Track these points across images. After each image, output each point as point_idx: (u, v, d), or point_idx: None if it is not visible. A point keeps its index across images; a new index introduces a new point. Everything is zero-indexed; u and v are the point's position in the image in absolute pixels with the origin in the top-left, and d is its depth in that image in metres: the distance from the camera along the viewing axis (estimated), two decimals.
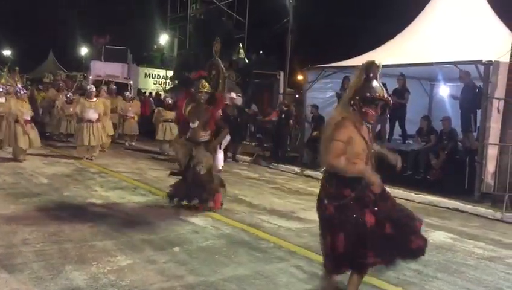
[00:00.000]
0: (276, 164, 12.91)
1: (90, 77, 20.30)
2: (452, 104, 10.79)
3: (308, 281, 4.47)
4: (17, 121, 10.27)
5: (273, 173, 11.97)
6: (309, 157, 13.03)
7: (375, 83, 3.67)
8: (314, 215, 7.09)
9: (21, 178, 8.71)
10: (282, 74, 22.19)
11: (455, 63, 9.70)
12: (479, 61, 9.25)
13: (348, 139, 3.56)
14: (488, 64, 9.09)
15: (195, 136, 6.64)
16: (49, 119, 15.53)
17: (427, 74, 12.78)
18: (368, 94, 3.62)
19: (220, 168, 10.95)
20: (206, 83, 6.70)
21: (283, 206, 7.78)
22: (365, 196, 3.60)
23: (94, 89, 11.73)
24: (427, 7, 12.51)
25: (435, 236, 6.51)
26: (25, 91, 10.60)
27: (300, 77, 36.08)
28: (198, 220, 6.39)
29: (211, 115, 6.62)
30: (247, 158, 13.84)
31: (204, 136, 6.65)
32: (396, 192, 9.53)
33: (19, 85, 11.31)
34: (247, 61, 23.50)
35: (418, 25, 12.31)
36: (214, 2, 22.23)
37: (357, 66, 13.20)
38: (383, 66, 11.89)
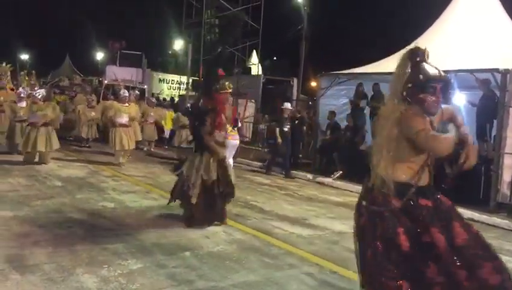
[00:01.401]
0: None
1: (105, 81, 20.41)
2: (467, 113, 10.64)
3: (318, 288, 4.42)
4: (30, 124, 10.25)
5: (285, 179, 11.91)
6: (320, 162, 13.03)
7: (426, 65, 3.12)
8: (326, 222, 7.12)
9: (35, 180, 8.77)
10: (295, 80, 22.18)
11: (471, 71, 9.60)
12: (496, 70, 9.14)
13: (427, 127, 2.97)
14: (505, 72, 8.98)
15: (223, 138, 6.40)
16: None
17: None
18: (421, 76, 3.05)
19: None
20: (230, 84, 6.43)
21: (295, 212, 7.72)
22: (414, 212, 3.02)
23: (127, 94, 11.64)
24: (443, 15, 12.43)
25: None
26: (35, 94, 10.48)
27: (313, 84, 36.12)
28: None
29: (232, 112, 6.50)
30: (259, 163, 13.81)
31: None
32: None
33: (36, 89, 11.39)
34: (260, 67, 23.57)
35: (433, 33, 12.21)
36: (228, 8, 22.30)
37: (370, 73, 13.04)
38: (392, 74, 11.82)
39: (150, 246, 5.33)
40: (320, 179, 11.82)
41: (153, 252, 5.11)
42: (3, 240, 5.16)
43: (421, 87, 3.04)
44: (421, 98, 3.03)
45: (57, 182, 8.78)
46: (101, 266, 4.61)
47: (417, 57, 3.15)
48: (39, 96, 10.38)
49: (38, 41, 39.09)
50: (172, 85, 26.41)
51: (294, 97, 21.62)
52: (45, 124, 10.31)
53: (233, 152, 11.23)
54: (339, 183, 11.23)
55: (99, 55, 37.90)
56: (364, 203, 3.19)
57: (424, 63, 3.14)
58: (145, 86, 20.73)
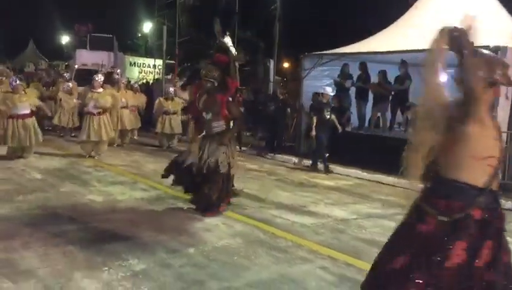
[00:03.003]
0: (272, 154, 12.59)
1: (76, 66, 19.59)
2: (453, 90, 10.51)
3: (338, 284, 4.17)
4: (10, 116, 9.32)
5: (271, 163, 11.65)
6: (307, 146, 12.73)
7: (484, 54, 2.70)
8: (325, 209, 6.89)
9: (12, 173, 8.25)
10: (272, 61, 21.79)
11: None
12: (486, 47, 8.99)
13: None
14: (496, 49, 8.85)
15: (208, 128, 6.16)
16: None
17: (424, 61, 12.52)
18: (504, 60, 2.68)
19: None
20: (210, 70, 6.12)
21: (291, 199, 7.46)
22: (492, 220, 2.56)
23: (98, 78, 10.53)
24: None
25: None
26: (17, 81, 9.60)
27: (286, 64, 35.77)
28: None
29: (220, 102, 6.06)
30: (243, 148, 13.52)
31: (217, 127, 6.12)
32: (400, 182, 9.30)
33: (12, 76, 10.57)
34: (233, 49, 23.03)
35: (418, 9, 12.05)
36: None
37: (356, 52, 12.65)
38: (383, 53, 11.53)
39: (150, 243, 4.96)
40: (307, 162, 11.58)
41: (155, 250, 4.75)
42: None
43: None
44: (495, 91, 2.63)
45: (36, 174, 8.27)
46: (100, 268, 4.24)
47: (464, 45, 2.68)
48: (19, 84, 9.51)
49: (0, 27, 37.39)
50: (144, 69, 25.65)
51: (272, 79, 21.30)
52: (32, 114, 9.55)
53: None
54: None
55: (65, 39, 36.55)
56: (430, 210, 2.62)
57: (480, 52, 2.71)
58: (118, 70, 19.97)
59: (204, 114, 6.11)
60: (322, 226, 5.96)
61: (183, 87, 12.14)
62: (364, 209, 7.05)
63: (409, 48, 10.52)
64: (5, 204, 6.22)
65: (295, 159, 11.94)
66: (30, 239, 4.90)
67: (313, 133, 10.53)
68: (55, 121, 13.61)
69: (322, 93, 10.96)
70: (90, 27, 26.20)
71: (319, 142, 10.59)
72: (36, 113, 9.87)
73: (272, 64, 21.82)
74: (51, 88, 15.19)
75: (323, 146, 10.62)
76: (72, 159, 10.00)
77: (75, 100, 13.10)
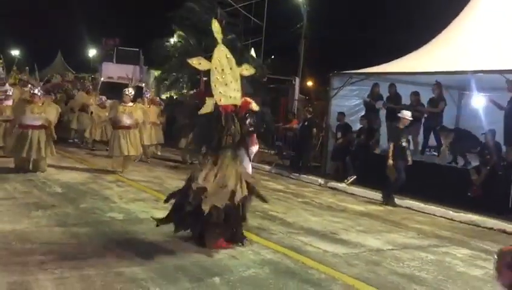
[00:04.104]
0: (297, 175, 12.22)
1: (102, 79, 19.60)
2: (494, 115, 9.98)
3: None
4: (23, 126, 9.01)
5: (297, 184, 11.28)
6: (333, 167, 12.34)
7: None
8: (358, 237, 6.46)
9: (33, 186, 8.04)
10: (297, 79, 21.52)
11: (501, 72, 9.00)
12: None
13: None
14: None
15: None
16: (78, 125, 14.49)
17: (455, 83, 12.10)
18: None
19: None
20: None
21: (320, 225, 7.07)
22: None
23: (129, 93, 10.24)
24: (462, 13, 11.87)
25: None
26: (37, 92, 9.15)
27: (310, 83, 35.43)
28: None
29: None
30: (266, 167, 13.22)
31: None
32: (432, 209, 8.85)
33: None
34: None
35: (453, 31, 11.65)
36: (231, 4, 21.56)
37: (389, 72, 12.14)
38: (417, 74, 11.01)
39: (172, 269, 4.63)
40: (333, 184, 11.20)
41: (177, 278, 4.41)
42: (2, 261, 4.45)
43: None
44: None
45: (57, 188, 8.05)
46: None
47: None
48: (39, 95, 9.22)
49: (30, 38, 38.04)
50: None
51: (296, 97, 21.00)
52: (42, 127, 9.11)
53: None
54: (353, 189, 10.60)
55: (92, 52, 37.03)
56: None
57: None
58: (143, 84, 19.91)
59: None
60: (355, 257, 5.54)
61: None
62: (399, 239, 6.61)
63: (443, 70, 10.14)
64: (24, 219, 5.98)
65: (321, 181, 11.56)
66: (46, 259, 4.61)
67: (390, 162, 9.21)
68: (87, 134, 13.50)
69: (399, 118, 9.58)
70: (117, 41, 26.36)
71: (398, 173, 9.22)
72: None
73: (297, 81, 21.56)
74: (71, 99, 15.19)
75: (402, 178, 9.24)
76: (94, 173, 9.79)
77: (106, 114, 12.83)
